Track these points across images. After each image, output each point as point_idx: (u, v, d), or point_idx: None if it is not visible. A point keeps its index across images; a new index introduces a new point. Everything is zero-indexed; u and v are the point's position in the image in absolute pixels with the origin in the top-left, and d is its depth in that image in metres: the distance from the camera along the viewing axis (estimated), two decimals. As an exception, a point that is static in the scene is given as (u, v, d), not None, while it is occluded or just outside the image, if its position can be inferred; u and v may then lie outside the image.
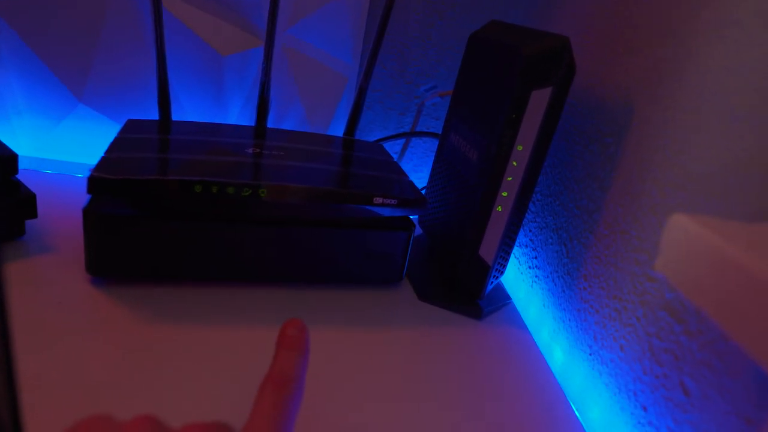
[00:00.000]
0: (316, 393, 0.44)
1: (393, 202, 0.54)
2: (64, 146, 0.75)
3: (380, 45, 0.67)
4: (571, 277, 0.58)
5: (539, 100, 0.50)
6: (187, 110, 0.75)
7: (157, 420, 0.25)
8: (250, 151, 0.58)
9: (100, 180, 0.48)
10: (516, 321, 0.60)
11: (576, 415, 0.49)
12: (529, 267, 0.68)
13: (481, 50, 0.57)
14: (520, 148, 0.52)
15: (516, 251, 0.72)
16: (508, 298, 0.64)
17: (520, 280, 0.70)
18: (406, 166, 0.87)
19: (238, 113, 0.77)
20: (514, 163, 0.52)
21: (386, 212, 0.55)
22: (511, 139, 0.51)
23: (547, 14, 0.72)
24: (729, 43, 0.41)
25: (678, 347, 0.42)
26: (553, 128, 0.52)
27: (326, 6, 0.73)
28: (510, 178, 0.53)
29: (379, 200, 0.54)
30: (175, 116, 0.75)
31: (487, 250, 0.56)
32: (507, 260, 0.59)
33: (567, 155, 0.61)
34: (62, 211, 0.62)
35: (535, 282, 0.66)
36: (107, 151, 0.53)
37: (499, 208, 0.54)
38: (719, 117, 0.41)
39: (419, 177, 0.88)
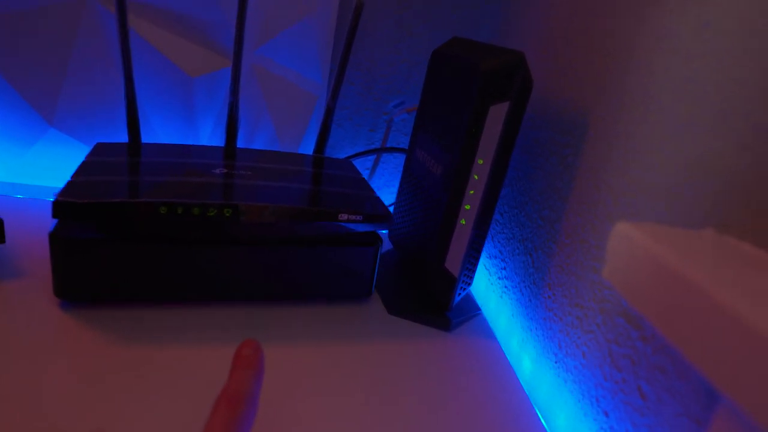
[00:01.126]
0: (285, 409, 0.44)
1: (358, 218, 0.55)
2: (36, 170, 0.76)
3: (347, 63, 0.68)
4: (537, 286, 0.59)
5: (497, 114, 0.51)
6: (158, 132, 0.76)
7: None
8: (218, 171, 0.59)
9: (65, 204, 0.48)
10: (485, 331, 0.61)
11: (542, 424, 0.50)
12: (499, 278, 0.69)
13: (442, 66, 0.58)
14: (480, 161, 0.53)
15: (486, 262, 0.73)
16: (477, 309, 0.64)
17: (490, 291, 0.71)
18: (377, 181, 0.88)
19: (209, 134, 0.78)
20: (476, 177, 0.53)
21: (354, 228, 0.56)
22: (472, 153, 0.52)
23: (509, 30, 0.74)
24: (668, 54, 0.42)
25: (634, 352, 0.43)
26: (512, 142, 0.54)
27: (294, 26, 0.74)
28: (472, 192, 0.54)
29: (344, 216, 0.55)
30: (147, 138, 0.76)
31: (453, 262, 0.57)
32: (473, 272, 0.60)
33: (530, 167, 0.63)
34: (32, 235, 0.62)
35: (505, 292, 0.67)
36: (74, 175, 0.53)
37: (463, 221, 0.55)
38: (663, 126, 0.42)
39: (391, 192, 0.89)
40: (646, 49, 0.45)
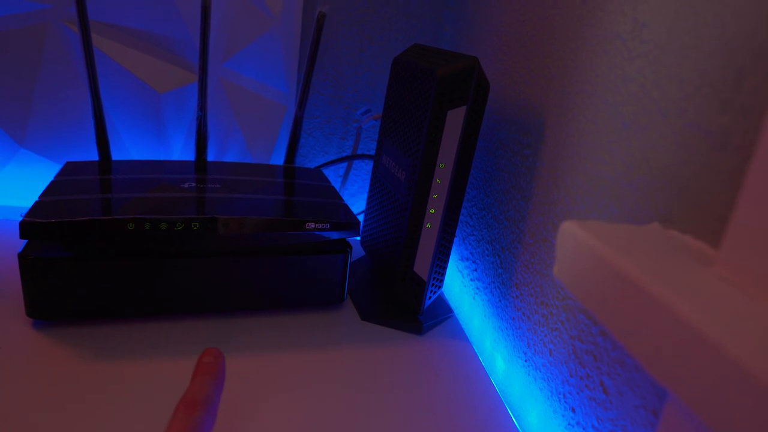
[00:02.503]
0: (259, 417, 0.45)
1: (326, 226, 0.56)
2: (8, 191, 0.76)
3: (312, 73, 0.69)
4: (506, 286, 0.59)
5: (455, 118, 0.52)
6: (130, 149, 0.76)
7: None
8: (187, 185, 0.59)
9: (32, 224, 0.48)
10: (458, 333, 0.62)
11: (514, 423, 0.50)
12: (471, 279, 0.69)
13: (402, 73, 0.59)
14: (442, 166, 0.54)
15: (459, 264, 0.74)
16: (450, 311, 0.65)
17: (463, 293, 0.72)
18: (351, 188, 0.89)
19: (181, 149, 0.78)
20: (438, 181, 0.54)
21: (324, 236, 0.56)
22: (433, 157, 0.53)
23: (469, 35, 0.75)
24: (610, 55, 0.43)
25: (596, 348, 0.44)
26: (472, 145, 0.54)
27: (259, 38, 0.75)
28: (435, 196, 0.55)
29: (311, 225, 0.55)
30: (119, 155, 0.76)
31: (421, 266, 0.57)
32: (443, 274, 0.60)
33: (495, 168, 0.63)
34: (2, 256, 0.62)
35: (477, 293, 0.67)
36: (41, 195, 0.53)
37: (429, 225, 0.56)
38: (610, 125, 0.43)
39: (364, 198, 0.90)
40: (589, 51, 0.47)
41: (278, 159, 0.83)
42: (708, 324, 0.24)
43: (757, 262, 0.27)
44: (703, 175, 0.34)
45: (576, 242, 0.34)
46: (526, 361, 0.55)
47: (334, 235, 0.57)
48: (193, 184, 0.60)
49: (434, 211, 0.55)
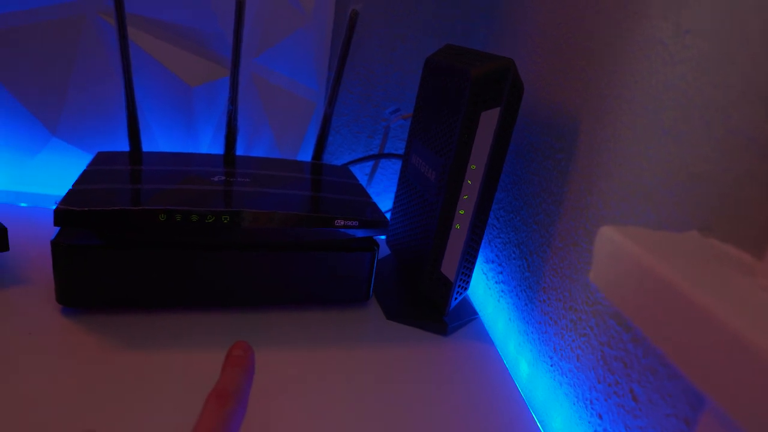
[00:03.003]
0: (283, 412, 0.45)
1: (354, 223, 0.56)
2: (40, 179, 0.77)
3: (342, 71, 0.69)
4: (532, 290, 0.59)
5: (488, 120, 0.52)
6: (159, 141, 0.77)
7: None
8: (217, 179, 0.60)
9: (66, 212, 0.49)
10: (482, 336, 0.61)
11: (538, 427, 0.50)
12: (496, 282, 0.69)
13: (435, 73, 0.59)
14: (473, 167, 0.53)
15: (483, 267, 0.74)
16: (474, 313, 0.65)
17: (488, 295, 0.71)
18: (376, 187, 0.89)
19: (209, 142, 0.79)
20: (469, 182, 0.54)
21: (351, 233, 0.57)
22: (464, 158, 0.53)
23: (502, 37, 0.75)
24: (652, 61, 0.43)
25: (626, 355, 0.44)
26: (504, 147, 0.54)
27: (291, 35, 0.75)
28: (466, 197, 0.54)
29: (340, 222, 0.55)
30: (148, 147, 0.77)
31: (449, 266, 0.57)
32: (470, 276, 0.60)
33: (525, 172, 0.63)
34: (34, 243, 0.63)
35: (502, 296, 0.67)
36: (75, 184, 0.54)
37: (458, 226, 0.56)
38: (649, 131, 0.43)
39: (390, 198, 0.90)
40: (630, 56, 0.46)
41: (306, 155, 0.84)
42: (750, 331, 0.24)
43: (805, 272, 0.27)
44: (745, 183, 0.33)
45: (614, 247, 0.33)
46: (551, 365, 0.54)
47: (362, 233, 0.57)
48: (223, 178, 0.60)
49: (464, 212, 0.55)
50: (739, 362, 0.24)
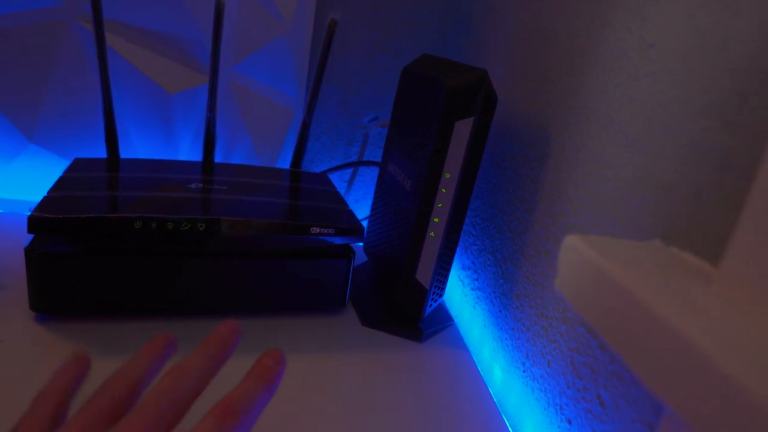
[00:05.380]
0: (260, 419, 0.45)
1: (330, 231, 0.56)
2: (16, 185, 0.76)
3: (321, 79, 0.70)
4: (506, 297, 0.60)
5: (462, 130, 0.53)
6: (138, 148, 0.77)
7: None
8: (194, 186, 0.60)
9: (39, 219, 0.49)
10: (457, 342, 0.62)
11: (510, 432, 0.51)
12: (472, 289, 0.70)
13: (411, 83, 0.60)
14: (447, 175, 0.54)
15: (460, 273, 0.75)
16: (450, 319, 0.66)
17: (464, 302, 0.72)
18: (355, 194, 0.89)
19: (188, 149, 0.79)
20: (443, 190, 0.55)
21: (327, 241, 0.57)
22: (439, 167, 0.54)
23: (479, 47, 0.76)
24: (618, 73, 0.44)
25: (594, 361, 0.44)
26: (478, 156, 0.55)
27: (271, 43, 0.76)
28: (440, 205, 0.55)
29: (316, 230, 0.56)
30: (127, 154, 0.76)
31: (424, 273, 0.58)
32: (445, 283, 0.61)
33: (500, 180, 0.64)
34: (9, 250, 0.63)
35: (477, 303, 0.68)
36: (50, 191, 0.54)
37: (432, 234, 0.56)
38: (615, 142, 0.44)
39: (369, 205, 0.90)
40: (599, 68, 0.47)
41: (284, 163, 0.84)
42: (705, 341, 0.25)
43: (756, 281, 0.28)
44: (704, 194, 0.35)
45: (578, 256, 0.34)
46: (524, 371, 0.55)
47: (338, 240, 0.58)
48: (200, 185, 0.60)
49: (438, 220, 0.56)
50: (693, 370, 0.25)
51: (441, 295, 0.62)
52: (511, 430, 0.51)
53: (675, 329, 0.26)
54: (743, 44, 0.33)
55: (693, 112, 0.36)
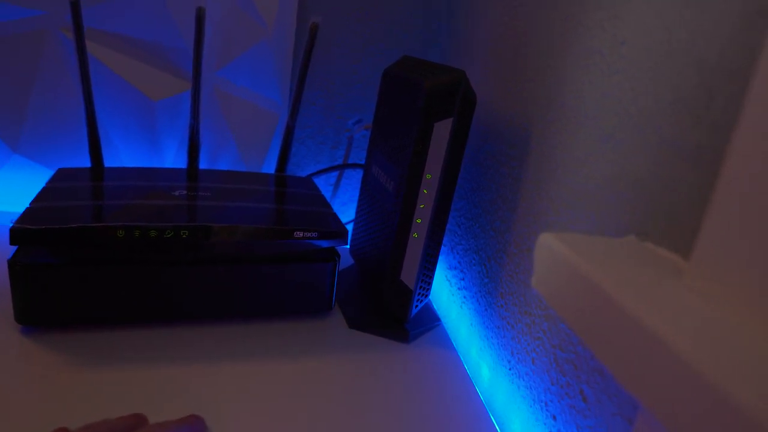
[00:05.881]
0: (246, 423, 0.45)
1: (313, 234, 0.57)
2: (0, 196, 0.76)
3: (304, 83, 0.70)
4: (491, 295, 0.60)
5: (442, 130, 0.53)
6: (122, 156, 0.77)
7: None
8: (178, 193, 0.60)
9: (21, 231, 0.49)
10: (444, 342, 0.62)
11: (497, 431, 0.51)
12: (459, 288, 0.70)
13: (392, 85, 0.60)
14: (429, 176, 0.54)
15: (447, 273, 0.75)
16: (437, 319, 0.66)
17: (451, 302, 0.73)
18: (342, 197, 0.89)
19: (173, 156, 0.79)
20: (425, 191, 0.55)
21: (313, 244, 0.57)
22: (419, 168, 0.54)
23: (460, 48, 0.76)
24: (592, 70, 0.44)
25: (576, 357, 0.45)
26: (459, 156, 0.55)
27: (253, 47, 0.76)
28: (422, 206, 0.55)
29: (299, 234, 0.56)
30: (112, 162, 0.77)
31: (408, 275, 0.58)
32: (430, 284, 0.61)
33: (483, 179, 0.64)
34: (-7, 261, 0.63)
35: (464, 302, 0.68)
36: (33, 201, 0.54)
37: (416, 235, 0.57)
38: (591, 138, 0.44)
39: (354, 208, 0.90)
40: (574, 66, 0.48)
41: (270, 167, 0.84)
42: (674, 336, 0.25)
43: (724, 272, 0.28)
44: (675, 189, 0.35)
45: (552, 254, 0.35)
46: (510, 369, 0.55)
47: (323, 244, 0.58)
48: (184, 192, 0.60)
49: (421, 221, 0.56)
50: (661, 364, 0.25)
51: (426, 296, 0.62)
52: (498, 428, 0.51)
53: (645, 326, 0.26)
54: (711, 40, 0.33)
55: (663, 108, 0.36)
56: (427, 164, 0.54)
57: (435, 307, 0.70)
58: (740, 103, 0.30)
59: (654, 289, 0.30)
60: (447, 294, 0.74)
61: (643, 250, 0.36)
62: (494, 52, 0.65)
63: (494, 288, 0.60)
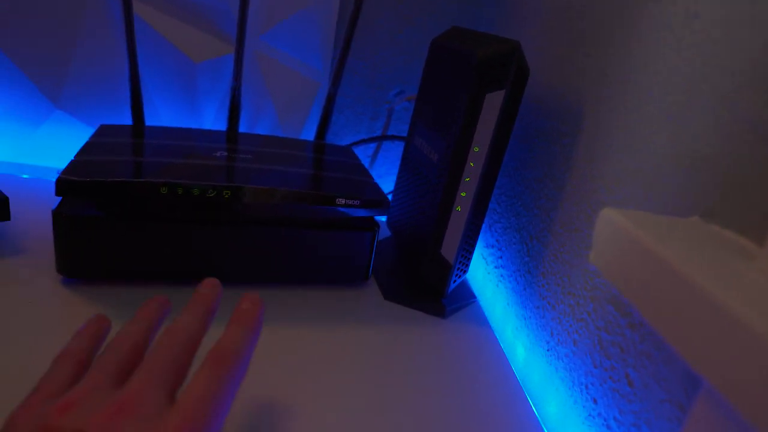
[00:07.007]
0: (278, 390, 0.45)
1: (356, 202, 0.56)
2: (42, 151, 0.77)
3: (348, 52, 0.69)
4: (531, 275, 0.59)
5: (493, 102, 0.52)
6: (162, 116, 0.77)
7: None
8: (219, 154, 0.59)
9: (67, 182, 0.49)
10: (480, 319, 0.61)
11: (533, 411, 0.50)
12: (495, 267, 0.69)
13: (440, 55, 0.58)
14: (476, 149, 0.53)
15: (483, 251, 0.74)
16: (473, 296, 0.65)
17: (487, 280, 0.72)
18: (379, 169, 0.88)
19: (212, 118, 0.78)
20: (471, 164, 0.54)
21: (352, 213, 0.57)
22: (468, 141, 0.53)
23: (509, 19, 0.74)
24: (660, 45, 0.43)
25: (623, 340, 0.44)
26: (508, 130, 0.54)
27: (297, 13, 0.75)
28: (468, 179, 0.54)
29: (341, 201, 0.55)
30: (151, 122, 0.76)
31: (449, 249, 0.57)
32: (469, 259, 0.60)
33: (528, 156, 0.63)
34: (36, 213, 0.63)
35: (501, 281, 0.67)
36: (77, 155, 0.54)
37: (459, 208, 0.55)
38: (655, 117, 0.42)
39: (392, 180, 0.89)
40: (639, 40, 0.46)
41: (309, 135, 0.83)
42: (748, 314, 0.24)
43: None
44: (749, 169, 0.33)
45: (614, 229, 0.33)
46: (548, 350, 0.54)
47: (363, 213, 0.57)
48: (225, 154, 0.60)
49: (465, 194, 0.55)
50: (735, 343, 0.24)
51: (465, 272, 0.61)
52: (534, 407, 0.51)
53: (716, 301, 0.25)
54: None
55: (738, 85, 0.35)
56: (476, 137, 0.53)
57: (470, 284, 0.69)
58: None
59: (725, 267, 0.29)
60: (483, 272, 0.73)
61: (709, 231, 0.34)
62: (548, 24, 0.63)
63: (535, 267, 0.59)
